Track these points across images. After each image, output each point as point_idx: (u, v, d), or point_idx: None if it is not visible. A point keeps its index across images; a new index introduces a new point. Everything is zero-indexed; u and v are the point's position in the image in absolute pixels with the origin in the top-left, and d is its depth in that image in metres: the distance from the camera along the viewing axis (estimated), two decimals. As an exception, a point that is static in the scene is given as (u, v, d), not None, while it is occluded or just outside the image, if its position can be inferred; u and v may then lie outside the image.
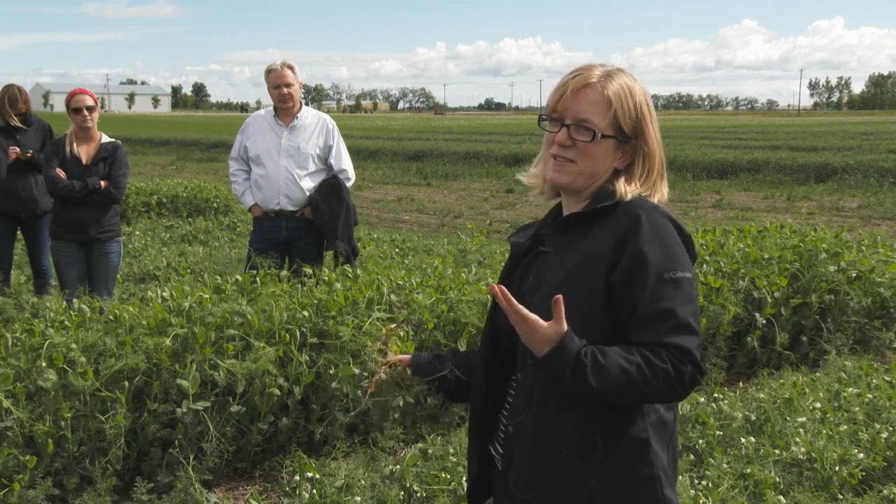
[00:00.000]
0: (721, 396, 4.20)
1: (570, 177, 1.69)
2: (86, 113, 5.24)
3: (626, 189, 1.67)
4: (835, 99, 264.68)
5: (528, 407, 1.67)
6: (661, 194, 1.73)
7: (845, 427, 3.76)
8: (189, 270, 7.54)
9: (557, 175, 1.70)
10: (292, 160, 5.21)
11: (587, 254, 1.62)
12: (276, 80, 5.15)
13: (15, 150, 5.90)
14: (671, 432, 1.69)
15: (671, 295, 1.54)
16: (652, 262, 1.56)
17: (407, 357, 2.02)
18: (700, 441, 3.69)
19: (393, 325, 2.14)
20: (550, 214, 1.83)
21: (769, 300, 5.09)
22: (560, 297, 1.53)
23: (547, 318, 1.57)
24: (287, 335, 3.75)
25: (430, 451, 3.57)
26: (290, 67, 5.18)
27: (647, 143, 1.69)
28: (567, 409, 1.62)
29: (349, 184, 5.39)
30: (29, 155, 5.91)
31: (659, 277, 1.55)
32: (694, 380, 1.54)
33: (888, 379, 4.46)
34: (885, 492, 3.33)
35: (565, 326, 1.54)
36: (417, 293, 4.33)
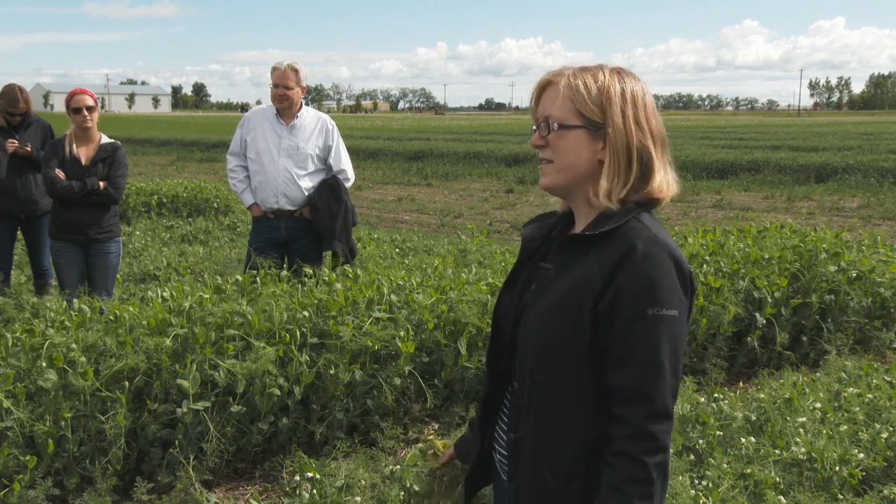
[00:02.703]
0: (721, 396, 4.20)
1: (549, 177, 1.65)
2: (85, 113, 5.23)
3: (604, 192, 1.58)
4: (835, 99, 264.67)
5: (526, 422, 1.64)
6: (646, 191, 1.60)
7: (845, 427, 3.76)
8: (189, 270, 7.54)
9: (541, 179, 1.68)
10: (291, 160, 5.21)
11: (580, 279, 1.57)
12: (276, 80, 5.16)
13: (13, 143, 5.87)
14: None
15: (644, 334, 1.48)
16: (632, 295, 1.49)
17: (453, 451, 2.08)
18: (700, 441, 3.69)
19: (427, 430, 2.36)
20: (565, 216, 1.77)
21: (769, 300, 5.09)
22: None
23: (540, 335, 1.58)
24: (287, 335, 3.75)
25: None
26: (295, 70, 5.15)
27: (613, 127, 1.57)
28: (558, 428, 1.58)
29: (348, 184, 5.39)
30: (28, 149, 5.88)
31: (637, 313, 1.48)
32: (663, 431, 1.49)
33: (888, 379, 4.45)
34: (886, 492, 3.33)
35: None
36: (417, 293, 4.33)
